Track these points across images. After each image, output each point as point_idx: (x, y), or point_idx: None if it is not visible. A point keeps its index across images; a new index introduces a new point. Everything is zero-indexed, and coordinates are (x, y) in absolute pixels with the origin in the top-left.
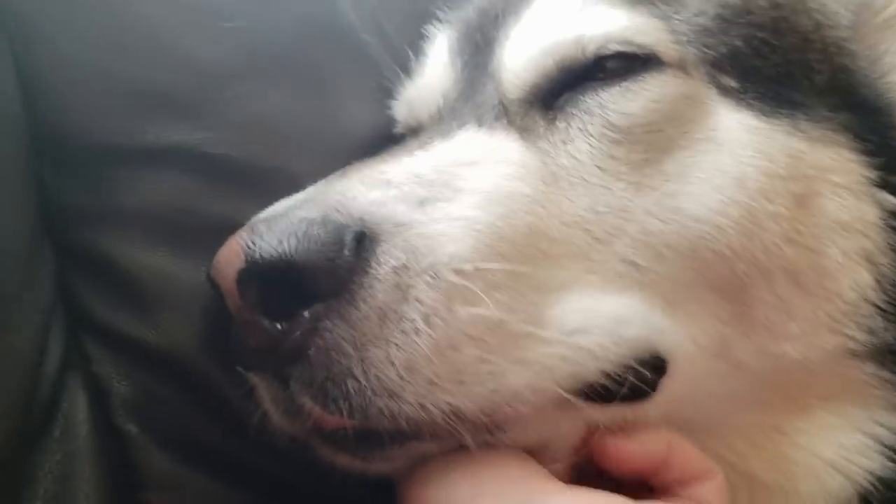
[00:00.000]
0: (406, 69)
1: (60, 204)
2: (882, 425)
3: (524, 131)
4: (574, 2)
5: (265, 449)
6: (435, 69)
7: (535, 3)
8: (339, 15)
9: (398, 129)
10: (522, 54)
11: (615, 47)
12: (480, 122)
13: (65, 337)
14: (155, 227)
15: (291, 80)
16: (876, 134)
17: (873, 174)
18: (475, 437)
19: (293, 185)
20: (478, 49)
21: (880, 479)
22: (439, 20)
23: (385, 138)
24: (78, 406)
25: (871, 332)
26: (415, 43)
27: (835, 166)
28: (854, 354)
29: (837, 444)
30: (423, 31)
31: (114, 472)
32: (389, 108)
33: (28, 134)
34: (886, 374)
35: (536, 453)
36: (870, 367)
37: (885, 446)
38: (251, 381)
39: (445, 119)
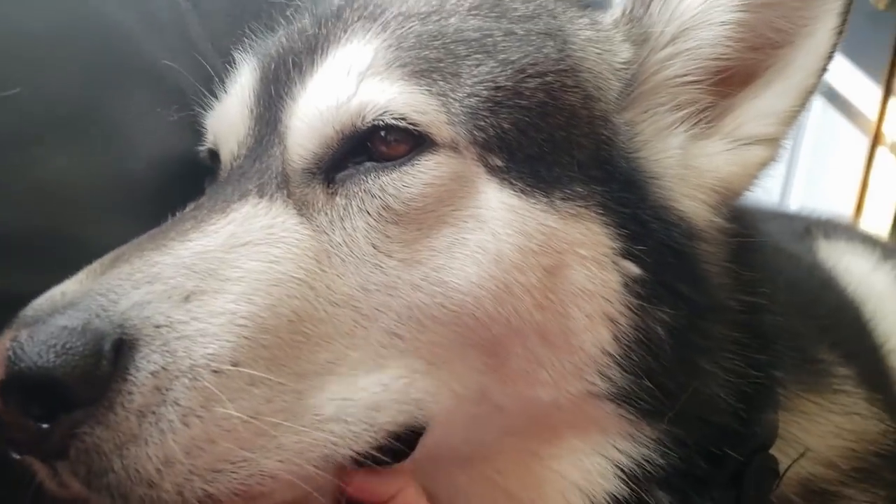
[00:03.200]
0: (213, 92)
1: None
2: (620, 451)
3: (303, 205)
4: (355, 72)
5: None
6: (235, 108)
7: (320, 70)
8: (136, 48)
9: (205, 147)
10: (305, 121)
11: (390, 120)
12: (262, 193)
13: None
14: None
15: (79, 138)
16: (627, 206)
17: (618, 245)
18: None
19: (80, 248)
20: (271, 103)
21: (616, 500)
22: (247, 47)
23: (188, 165)
24: None
25: (609, 379)
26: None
27: (583, 240)
28: (596, 396)
29: (582, 467)
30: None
31: None
32: (199, 126)
33: None
34: (622, 412)
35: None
36: (609, 406)
37: (622, 470)
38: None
39: (232, 179)
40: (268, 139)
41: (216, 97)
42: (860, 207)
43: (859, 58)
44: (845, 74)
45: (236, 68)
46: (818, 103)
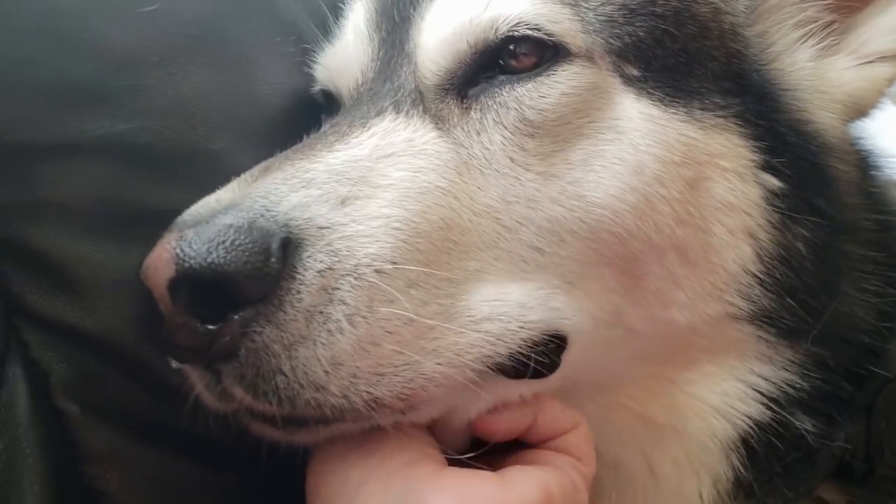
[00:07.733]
0: (325, 30)
1: None
2: (759, 375)
3: (439, 119)
4: None
5: (200, 419)
6: (353, 41)
7: None
8: None
9: (317, 88)
10: (437, 37)
11: (525, 31)
12: (398, 109)
13: (3, 328)
14: (83, 218)
15: (208, 59)
16: (763, 118)
17: (758, 157)
18: (391, 417)
19: (215, 166)
20: (394, 26)
21: (757, 423)
22: None
23: (305, 100)
24: (18, 394)
25: (749, 299)
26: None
27: (724, 152)
28: (734, 318)
29: (720, 391)
30: None
31: (56, 451)
32: (310, 67)
33: None
34: (762, 333)
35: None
36: (748, 328)
37: (762, 394)
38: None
39: (364, 100)
40: (395, 61)
41: (329, 37)
42: None
43: None
44: None
45: (350, 7)
46: None
